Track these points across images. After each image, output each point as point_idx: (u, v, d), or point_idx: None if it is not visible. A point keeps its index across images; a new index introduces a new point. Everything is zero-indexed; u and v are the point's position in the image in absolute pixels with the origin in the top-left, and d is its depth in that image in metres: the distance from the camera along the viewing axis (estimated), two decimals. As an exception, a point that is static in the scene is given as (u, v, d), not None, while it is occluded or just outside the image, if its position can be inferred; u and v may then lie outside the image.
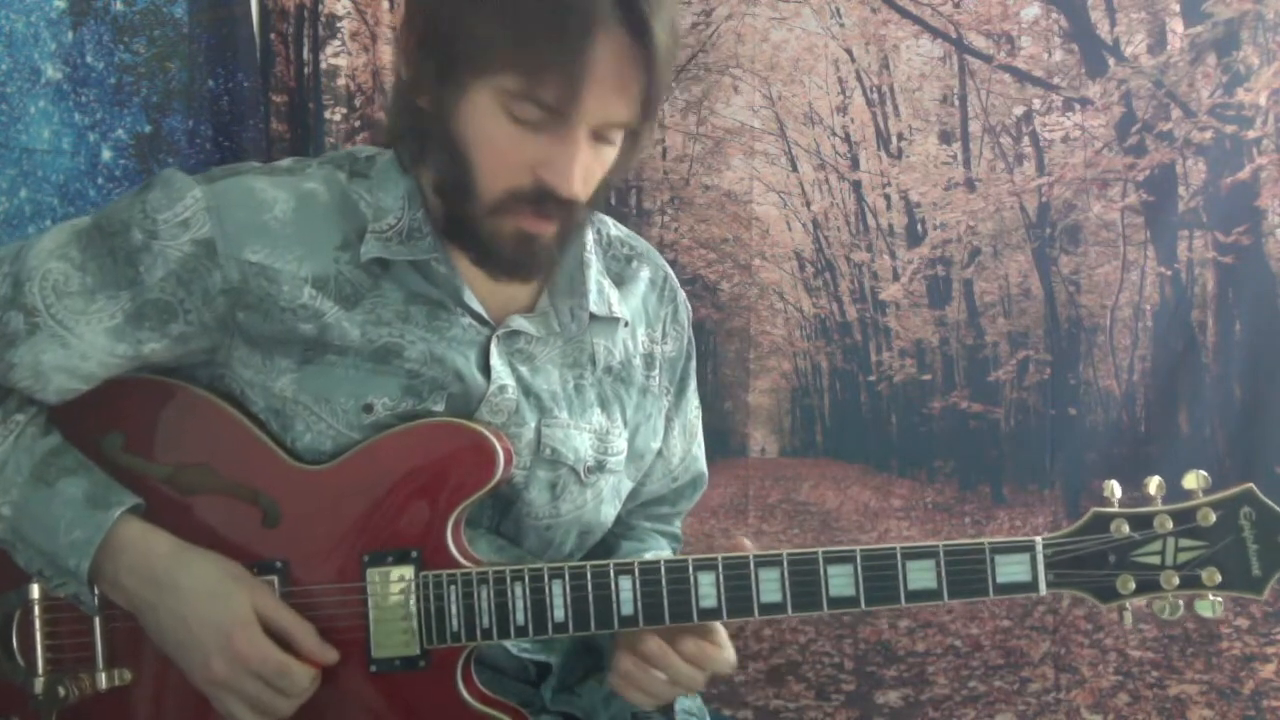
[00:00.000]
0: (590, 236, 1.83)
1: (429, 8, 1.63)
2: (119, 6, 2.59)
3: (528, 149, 1.60)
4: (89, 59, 2.54)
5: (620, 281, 1.89)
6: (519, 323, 1.76)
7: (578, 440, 1.79)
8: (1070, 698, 2.99)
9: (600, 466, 1.82)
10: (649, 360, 1.91)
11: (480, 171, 1.62)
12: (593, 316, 1.81)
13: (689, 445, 2.01)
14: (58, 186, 2.49)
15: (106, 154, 2.59)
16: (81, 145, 2.54)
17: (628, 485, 1.91)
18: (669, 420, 1.96)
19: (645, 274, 1.93)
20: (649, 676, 1.66)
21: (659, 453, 1.96)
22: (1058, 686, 3.00)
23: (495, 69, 1.56)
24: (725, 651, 1.68)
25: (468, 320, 1.73)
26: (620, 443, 1.85)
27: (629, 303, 1.88)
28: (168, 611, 1.63)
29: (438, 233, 1.72)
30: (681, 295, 1.98)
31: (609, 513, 1.86)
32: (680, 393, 1.97)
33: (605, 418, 1.83)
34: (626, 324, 1.86)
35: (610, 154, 1.67)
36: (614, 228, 1.93)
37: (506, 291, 1.77)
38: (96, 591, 1.68)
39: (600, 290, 1.82)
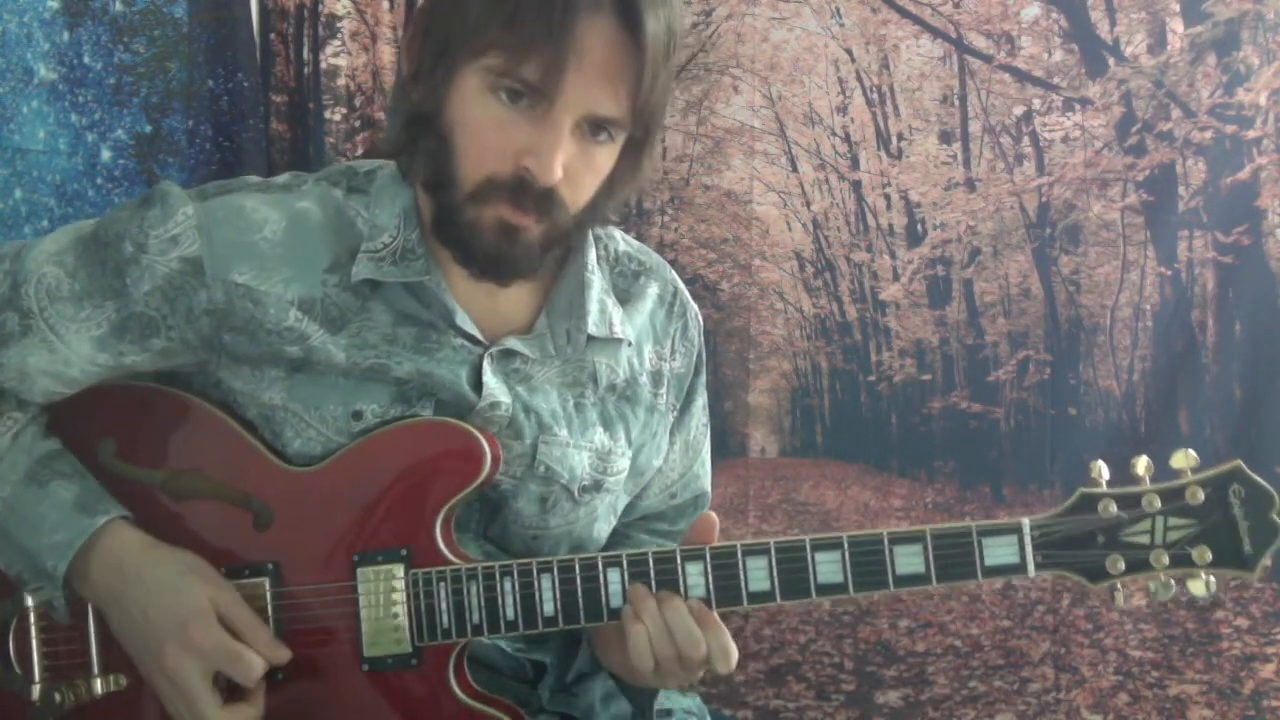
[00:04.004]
0: (593, 255, 1.81)
1: (433, 4, 1.64)
2: (118, 7, 2.59)
3: (511, 134, 1.58)
4: (86, 59, 2.55)
5: (626, 299, 1.87)
6: (513, 343, 1.74)
7: (575, 459, 1.78)
8: (1070, 698, 2.99)
9: (597, 486, 1.81)
10: (656, 378, 1.89)
11: (463, 156, 1.61)
12: (592, 338, 1.79)
13: (690, 462, 1.98)
14: (54, 187, 2.50)
15: (106, 154, 2.59)
16: (79, 146, 2.54)
17: (624, 500, 1.90)
18: (671, 435, 1.94)
19: (653, 290, 1.90)
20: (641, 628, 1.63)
21: (660, 469, 1.94)
22: (1058, 686, 3.00)
23: (483, 49, 1.56)
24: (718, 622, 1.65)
25: (459, 341, 1.72)
26: (622, 462, 1.84)
27: (635, 320, 1.86)
28: (131, 603, 1.64)
29: (442, 253, 1.70)
30: (693, 309, 1.95)
31: (603, 529, 1.86)
32: (685, 408, 1.95)
33: (608, 437, 1.82)
34: (630, 344, 1.84)
35: (603, 157, 1.65)
36: (622, 242, 1.91)
37: (501, 314, 1.76)
38: (87, 604, 1.69)
39: (602, 310, 1.80)
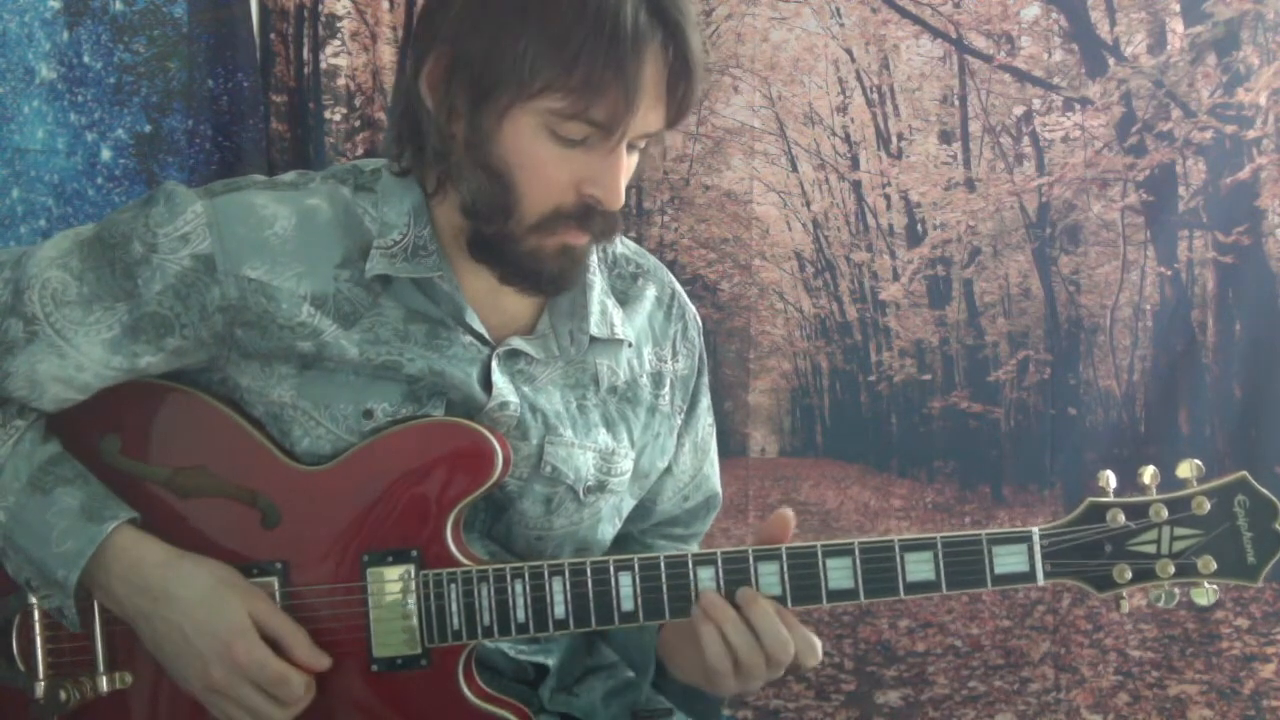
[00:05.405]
0: (594, 256, 1.80)
1: (459, 37, 1.60)
2: (118, 6, 2.59)
3: (572, 167, 1.60)
4: (86, 59, 2.54)
5: (625, 301, 1.87)
6: (519, 343, 1.75)
7: (580, 460, 1.78)
8: (1070, 698, 2.99)
9: (601, 487, 1.80)
10: (658, 379, 1.88)
11: (524, 192, 1.61)
12: (594, 339, 1.79)
13: (700, 463, 1.98)
14: (53, 187, 2.49)
15: (106, 154, 2.59)
16: (78, 145, 2.54)
17: (629, 503, 1.90)
18: (679, 438, 1.93)
19: (651, 292, 1.90)
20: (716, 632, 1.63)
21: (668, 470, 1.93)
22: (1058, 686, 3.00)
23: (541, 92, 1.55)
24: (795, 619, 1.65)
25: (468, 339, 1.72)
26: (625, 463, 1.83)
27: (634, 322, 1.86)
28: (162, 620, 1.63)
29: (453, 253, 1.71)
30: (691, 311, 1.95)
31: (607, 532, 1.85)
32: (691, 410, 1.95)
33: (611, 438, 1.82)
34: (630, 345, 1.84)
35: (636, 159, 1.67)
36: (620, 244, 1.91)
37: (507, 313, 1.76)
38: (94, 603, 1.68)
39: (603, 311, 1.80)
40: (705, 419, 1.98)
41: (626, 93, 1.54)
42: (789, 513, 1.67)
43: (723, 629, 1.61)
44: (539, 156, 1.59)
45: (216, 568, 1.66)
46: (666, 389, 1.89)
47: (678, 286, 1.95)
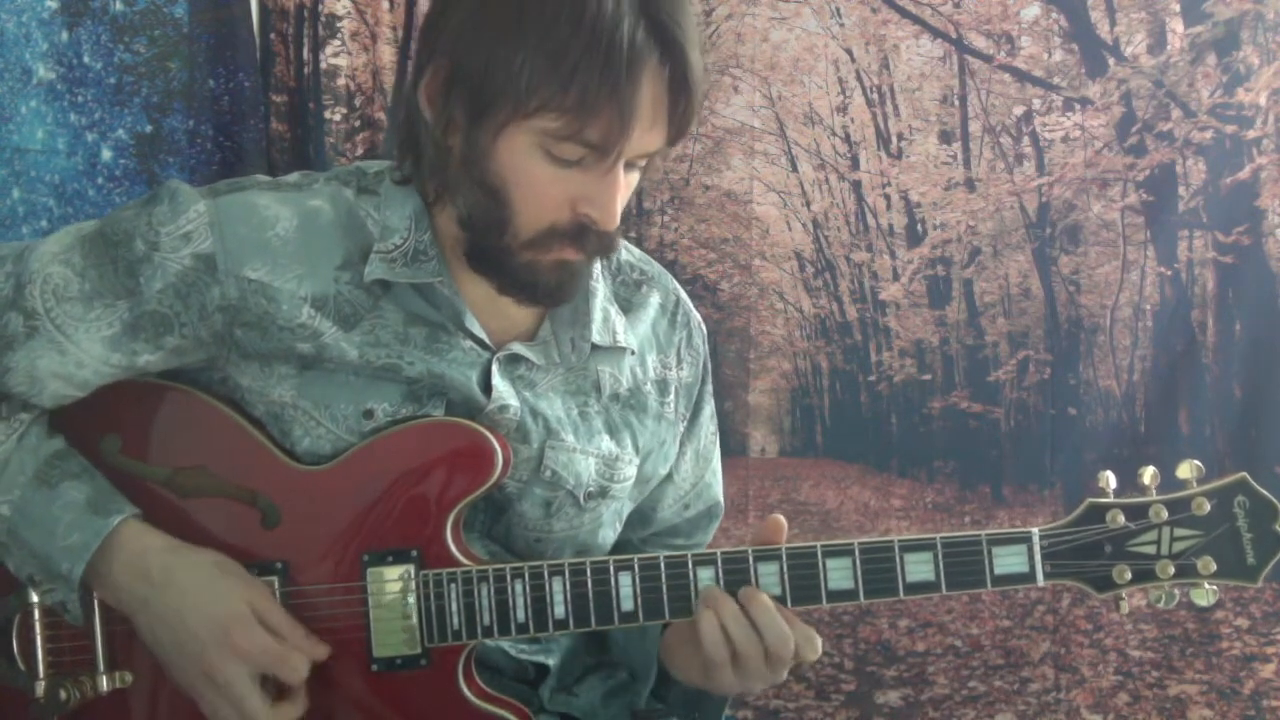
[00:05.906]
0: (597, 264, 1.80)
1: (457, 50, 1.59)
2: (118, 6, 2.58)
3: (567, 186, 1.59)
4: (86, 59, 2.54)
5: (628, 308, 1.87)
6: (519, 349, 1.75)
7: (581, 465, 1.78)
8: (1070, 698, 2.99)
9: (603, 493, 1.81)
10: (662, 386, 1.89)
11: (519, 209, 1.61)
12: (595, 346, 1.79)
13: (701, 472, 1.99)
14: (53, 187, 2.49)
15: (106, 154, 2.59)
16: (78, 145, 2.54)
17: (629, 508, 1.90)
18: (681, 445, 1.93)
19: (655, 300, 1.90)
20: (720, 630, 1.63)
21: (668, 477, 1.94)
22: (1058, 686, 3.00)
23: (537, 111, 1.54)
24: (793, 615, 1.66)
25: (469, 344, 1.72)
26: (629, 469, 1.84)
27: (637, 329, 1.86)
28: (162, 607, 1.64)
29: (453, 259, 1.71)
30: (696, 319, 1.95)
31: (608, 536, 1.86)
32: (694, 417, 1.95)
33: (615, 444, 1.82)
34: (633, 353, 1.84)
35: (636, 177, 1.66)
36: (625, 251, 1.90)
37: (509, 318, 1.76)
38: (95, 597, 1.68)
39: (606, 318, 1.80)
40: (708, 427, 1.98)
41: (621, 115, 1.52)
42: (781, 519, 1.67)
43: (722, 618, 1.62)
44: (534, 175, 1.59)
45: (218, 558, 1.67)
46: (671, 396, 1.89)
47: (683, 294, 1.95)
